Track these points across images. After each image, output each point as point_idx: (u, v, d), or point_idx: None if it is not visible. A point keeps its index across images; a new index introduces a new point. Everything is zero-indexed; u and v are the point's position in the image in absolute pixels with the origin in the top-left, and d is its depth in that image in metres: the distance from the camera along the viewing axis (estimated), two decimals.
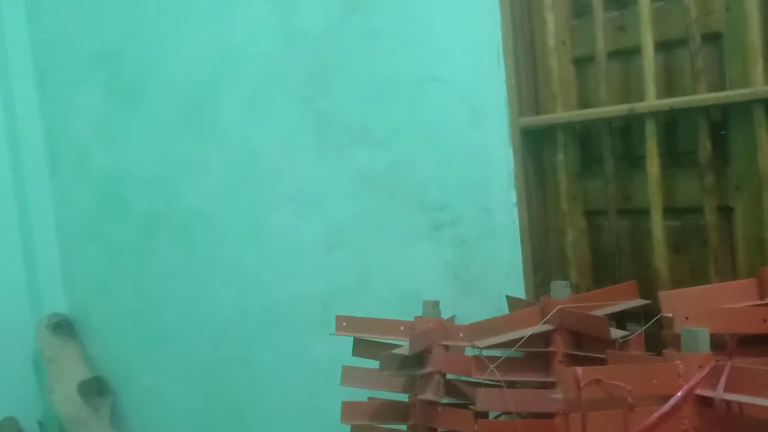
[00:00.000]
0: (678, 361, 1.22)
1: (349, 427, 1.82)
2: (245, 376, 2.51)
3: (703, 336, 1.24)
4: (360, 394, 1.85)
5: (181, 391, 2.71)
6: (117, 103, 2.76)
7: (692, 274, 1.68)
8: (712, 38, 1.62)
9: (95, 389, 2.87)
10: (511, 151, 1.83)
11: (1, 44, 2.94)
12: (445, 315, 1.85)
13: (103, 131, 2.82)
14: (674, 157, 1.71)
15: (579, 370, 1.17)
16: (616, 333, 1.52)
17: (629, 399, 1.17)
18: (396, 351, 1.67)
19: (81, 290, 3.02)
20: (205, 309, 2.59)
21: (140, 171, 2.73)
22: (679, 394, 1.19)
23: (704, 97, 1.57)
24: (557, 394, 1.23)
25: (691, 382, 1.20)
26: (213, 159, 2.50)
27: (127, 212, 2.79)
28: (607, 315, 1.64)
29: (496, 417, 1.73)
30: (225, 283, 2.53)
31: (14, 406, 2.88)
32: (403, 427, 1.78)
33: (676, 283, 1.66)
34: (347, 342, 1.84)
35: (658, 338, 1.62)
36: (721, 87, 1.61)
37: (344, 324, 1.84)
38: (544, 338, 1.63)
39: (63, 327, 2.94)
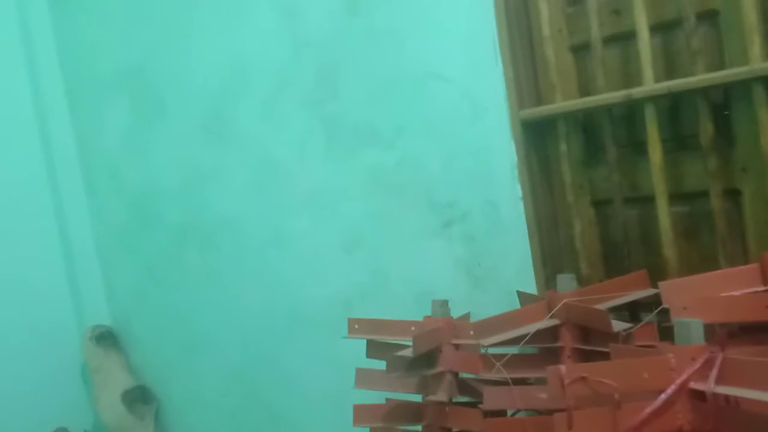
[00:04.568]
0: (670, 354, 1.19)
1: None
2: (276, 377, 2.56)
3: (695, 327, 1.20)
4: (383, 394, 1.86)
5: (219, 395, 2.78)
6: (142, 117, 2.83)
7: (703, 261, 1.63)
8: (709, 17, 1.56)
9: (139, 397, 2.96)
10: (513, 144, 1.81)
11: (33, 66, 3.05)
12: (459, 311, 1.85)
13: (132, 145, 2.89)
14: (678, 141, 1.66)
15: (562, 367, 1.16)
16: (619, 326, 1.48)
17: (616, 396, 1.14)
18: (402, 353, 1.67)
19: (121, 301, 3.12)
20: (233, 313, 2.65)
21: (168, 182, 2.80)
22: (670, 389, 1.16)
23: (701, 78, 1.51)
24: (543, 393, 1.21)
25: (683, 376, 1.17)
26: (234, 166, 2.54)
27: (158, 223, 2.86)
28: (619, 306, 1.61)
29: (512, 415, 1.71)
30: (251, 287, 2.58)
31: (65, 417, 2.99)
32: (419, 427, 1.79)
33: (687, 270, 1.61)
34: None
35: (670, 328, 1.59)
36: (722, 66, 1.55)
37: (356, 326, 1.85)
38: (552, 333, 1.61)
39: (106, 338, 3.04)
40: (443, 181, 1.97)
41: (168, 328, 2.91)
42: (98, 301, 3.10)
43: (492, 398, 1.59)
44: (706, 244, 1.64)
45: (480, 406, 1.64)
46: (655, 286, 1.63)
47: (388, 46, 2.03)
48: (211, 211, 2.67)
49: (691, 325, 1.20)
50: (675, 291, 1.35)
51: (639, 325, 1.48)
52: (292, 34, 2.27)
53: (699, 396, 1.17)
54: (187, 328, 2.84)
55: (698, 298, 1.30)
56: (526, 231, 1.83)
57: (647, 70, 1.60)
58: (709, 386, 1.13)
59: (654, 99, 1.60)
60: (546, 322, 1.58)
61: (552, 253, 1.84)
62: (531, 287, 1.84)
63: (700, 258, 1.65)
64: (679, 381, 1.17)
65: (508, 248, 1.87)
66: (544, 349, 1.63)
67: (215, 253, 2.69)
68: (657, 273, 1.65)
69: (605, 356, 1.46)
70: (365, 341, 1.84)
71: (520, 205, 1.83)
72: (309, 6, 2.20)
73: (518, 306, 1.81)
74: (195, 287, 2.78)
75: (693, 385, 1.17)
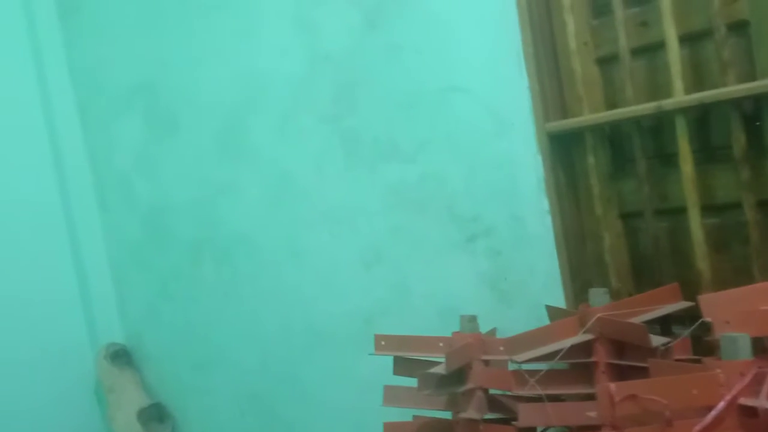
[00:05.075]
0: (718, 370, 1.18)
1: None
2: (294, 395, 2.53)
3: (743, 342, 1.18)
4: (407, 412, 1.83)
5: (235, 413, 2.75)
6: (155, 133, 2.82)
7: (736, 273, 1.61)
8: (739, 27, 1.55)
9: (155, 416, 2.93)
10: (539, 158, 1.80)
11: (44, 83, 3.04)
12: (486, 327, 1.83)
13: (145, 161, 2.88)
14: (710, 153, 1.65)
15: (613, 385, 1.14)
16: (657, 340, 1.47)
17: (666, 414, 1.12)
18: (433, 370, 1.65)
19: (135, 319, 3.09)
20: (250, 331, 2.62)
21: (182, 198, 2.78)
22: (720, 404, 1.14)
23: (733, 89, 1.50)
24: (592, 411, 1.19)
25: (733, 392, 1.15)
26: (248, 181, 2.53)
27: (172, 239, 2.85)
28: (651, 320, 1.59)
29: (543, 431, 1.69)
30: (268, 304, 2.55)
31: None
32: None
33: (720, 283, 1.60)
34: (391, 358, 1.83)
35: (706, 341, 1.57)
36: (753, 77, 1.54)
37: (383, 343, 1.83)
38: (586, 348, 1.59)
39: (121, 356, 3.01)
40: (466, 196, 1.96)
41: (183, 345, 2.88)
42: (112, 319, 3.08)
43: (527, 415, 1.56)
44: (738, 255, 1.63)
45: (513, 423, 1.61)
46: (687, 299, 1.63)
47: (408, 60, 2.02)
48: (227, 227, 2.65)
49: (738, 340, 1.18)
50: (715, 305, 1.33)
51: (677, 340, 1.47)
52: (309, 48, 2.25)
53: (748, 412, 1.15)
54: (202, 345, 2.81)
55: (741, 312, 1.28)
56: (554, 245, 1.81)
57: (677, 82, 1.59)
58: (761, 402, 1.11)
59: (684, 110, 1.59)
60: (580, 337, 1.56)
61: (581, 266, 1.82)
62: (559, 301, 1.82)
63: (733, 270, 1.63)
64: (728, 397, 1.15)
65: (534, 262, 1.85)
66: (576, 364, 1.61)
67: (231, 270, 2.67)
68: (688, 286, 1.63)
69: (641, 371, 1.45)
70: (388, 358, 1.82)
71: (547, 219, 1.81)
72: (326, 20, 2.19)
73: (545, 320, 1.79)
74: (210, 304, 2.76)
75: (743, 401, 1.15)
